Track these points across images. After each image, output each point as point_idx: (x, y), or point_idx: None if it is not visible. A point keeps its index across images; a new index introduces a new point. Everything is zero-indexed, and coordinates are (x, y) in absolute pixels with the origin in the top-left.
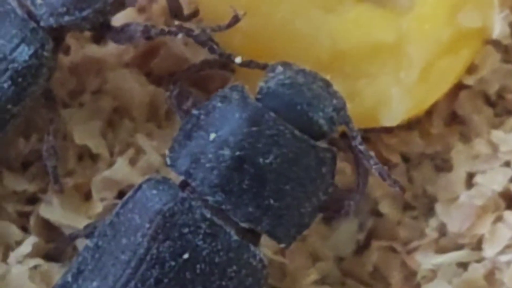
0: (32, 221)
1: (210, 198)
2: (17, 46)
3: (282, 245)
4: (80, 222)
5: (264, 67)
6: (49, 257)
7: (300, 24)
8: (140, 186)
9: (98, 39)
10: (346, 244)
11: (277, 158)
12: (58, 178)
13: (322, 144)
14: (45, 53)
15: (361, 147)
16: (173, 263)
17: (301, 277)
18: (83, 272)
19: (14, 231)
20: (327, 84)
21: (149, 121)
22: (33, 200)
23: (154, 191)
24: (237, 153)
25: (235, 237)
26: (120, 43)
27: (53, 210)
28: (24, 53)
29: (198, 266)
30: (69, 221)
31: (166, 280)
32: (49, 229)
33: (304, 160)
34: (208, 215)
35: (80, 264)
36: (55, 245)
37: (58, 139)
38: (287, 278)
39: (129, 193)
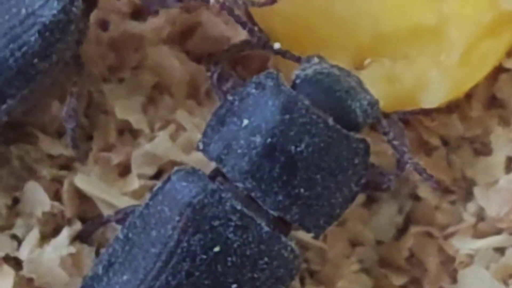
0: (65, 186)
1: (240, 185)
2: (47, 1)
3: (312, 235)
4: (115, 197)
5: (298, 59)
6: (77, 238)
7: (341, 6)
8: (169, 178)
9: (137, 15)
10: (387, 228)
11: (309, 147)
12: (76, 142)
13: (356, 134)
14: (74, 9)
15: (395, 143)
16: (204, 256)
17: (341, 264)
18: (114, 265)
19: (45, 198)
20: (360, 81)
21: (189, 99)
22: (68, 168)
23: (184, 183)
24: (269, 140)
25: (266, 229)
26: (153, 8)
27: (89, 181)
28: (53, 7)
29: (229, 258)
30: (104, 194)
31: (197, 273)
32: (81, 201)
33: (336, 150)
34: (239, 207)
35: (111, 256)
36: (84, 228)
37: (80, 102)
38: (328, 264)
39: (159, 185)
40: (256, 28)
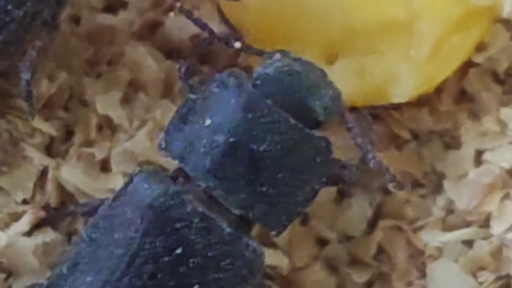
0: (50, 174)
1: (202, 184)
2: None
3: (273, 233)
4: (98, 192)
5: (261, 53)
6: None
7: (312, 1)
8: (131, 179)
9: (109, 10)
10: (358, 223)
11: (271, 146)
12: (30, 95)
13: (317, 133)
14: None
15: (358, 140)
16: (167, 258)
17: (306, 269)
18: (78, 265)
19: (29, 186)
20: (323, 74)
21: (163, 98)
22: (51, 148)
23: (145, 185)
24: (231, 139)
25: (228, 230)
26: None
27: (75, 174)
28: None
29: (192, 260)
30: (89, 189)
31: (160, 275)
32: (62, 192)
33: (298, 149)
34: (200, 209)
35: (76, 256)
36: (48, 216)
37: (40, 57)
38: (293, 271)
39: (121, 186)
40: (227, 23)
